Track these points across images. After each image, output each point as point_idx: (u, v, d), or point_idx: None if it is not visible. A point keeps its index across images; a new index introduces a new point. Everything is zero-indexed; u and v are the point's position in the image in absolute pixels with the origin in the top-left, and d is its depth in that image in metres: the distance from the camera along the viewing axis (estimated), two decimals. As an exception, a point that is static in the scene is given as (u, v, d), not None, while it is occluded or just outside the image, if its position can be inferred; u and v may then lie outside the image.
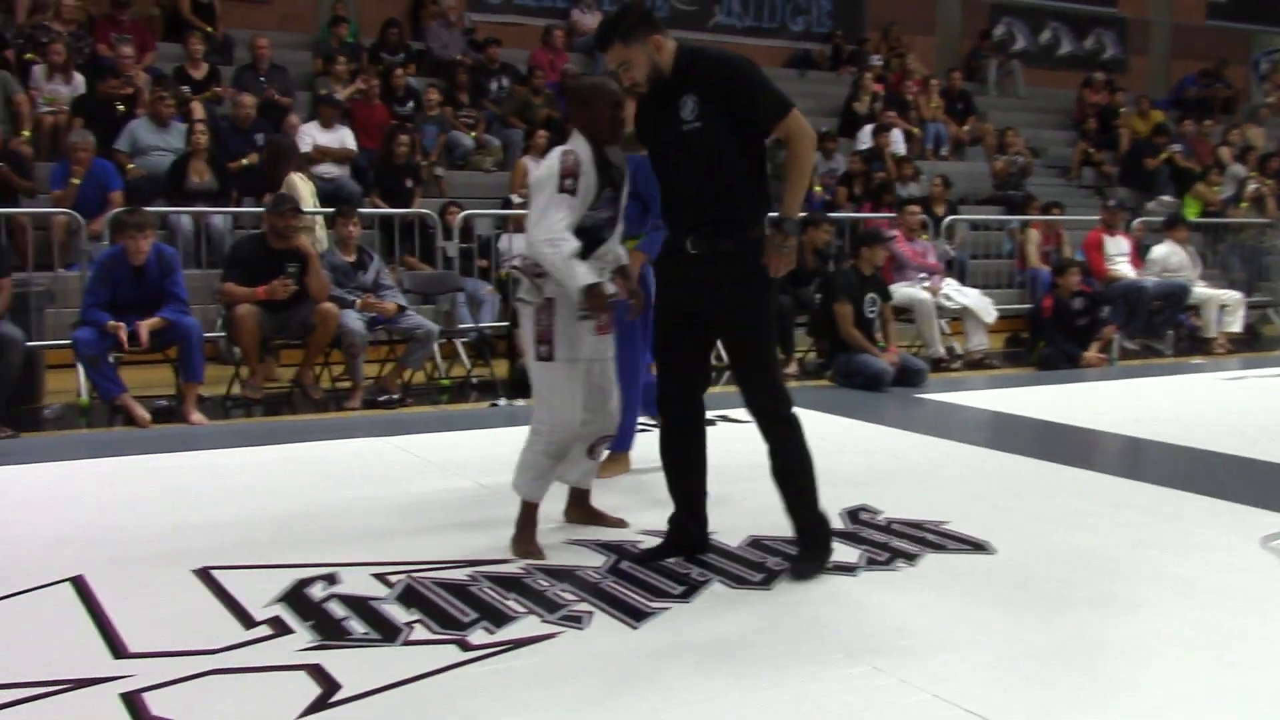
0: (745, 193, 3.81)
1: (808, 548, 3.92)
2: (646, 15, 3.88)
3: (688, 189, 3.84)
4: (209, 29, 12.11)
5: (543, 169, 4.00)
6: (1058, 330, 9.59)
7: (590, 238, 3.96)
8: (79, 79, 10.38)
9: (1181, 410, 7.58)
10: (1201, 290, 11.29)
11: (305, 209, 8.28)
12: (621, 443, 5.10)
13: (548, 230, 3.89)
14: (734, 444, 4.99)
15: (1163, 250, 11.29)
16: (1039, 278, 11.51)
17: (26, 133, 9.75)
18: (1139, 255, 11.54)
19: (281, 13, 14.02)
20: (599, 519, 4.45)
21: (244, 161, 9.92)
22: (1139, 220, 12.73)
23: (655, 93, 3.84)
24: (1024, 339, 10.76)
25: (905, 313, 9.53)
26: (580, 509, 4.49)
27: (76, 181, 8.83)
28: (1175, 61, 19.96)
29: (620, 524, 4.42)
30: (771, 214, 3.90)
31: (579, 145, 3.96)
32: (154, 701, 2.87)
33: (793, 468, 3.89)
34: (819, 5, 17.44)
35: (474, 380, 8.30)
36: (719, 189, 3.79)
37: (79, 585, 3.74)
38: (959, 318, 10.03)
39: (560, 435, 4.08)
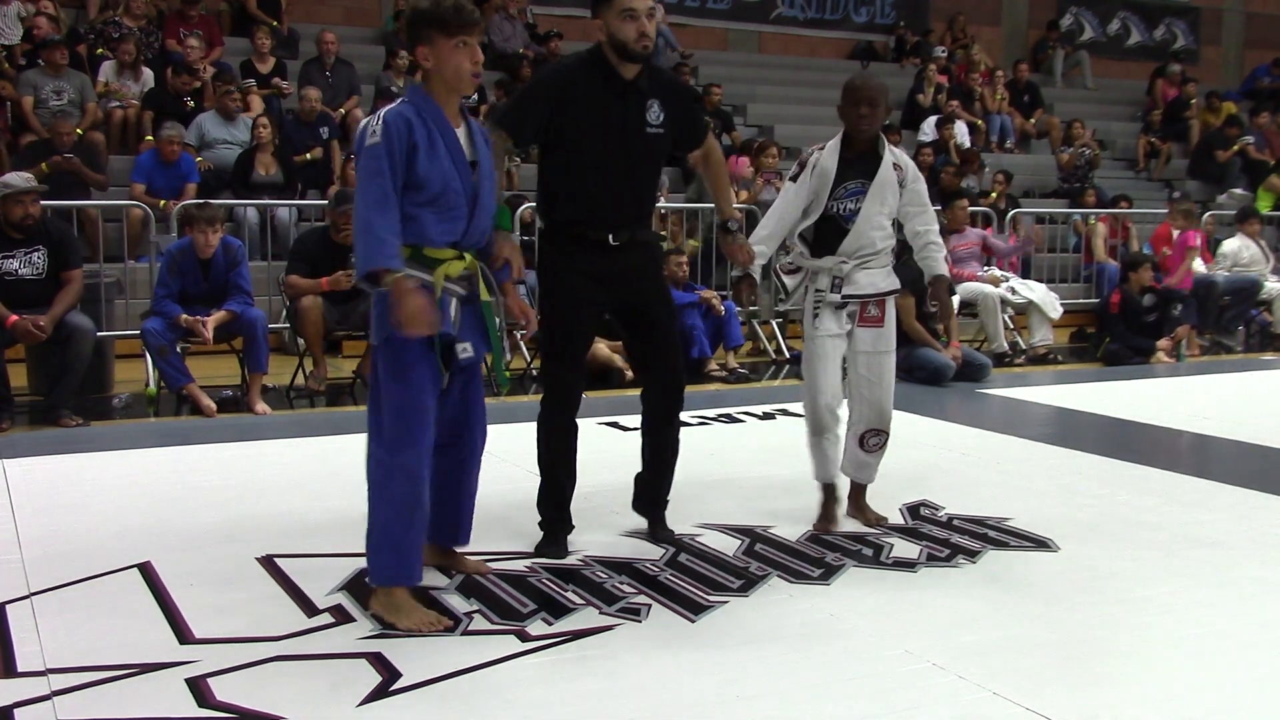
0: (654, 193, 4.15)
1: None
2: None
3: (631, 186, 3.96)
4: (275, 23, 12.26)
5: None
6: (1125, 326, 9.44)
7: (834, 226, 4.16)
8: (147, 74, 10.54)
9: (1252, 407, 7.43)
10: (1274, 285, 11.06)
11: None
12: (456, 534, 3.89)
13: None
14: (769, 438, 5.01)
15: (1234, 244, 11.08)
16: (1105, 272, 11.34)
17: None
18: (1210, 249, 11.32)
19: (346, 7, 14.17)
20: (863, 515, 4.46)
21: (309, 155, 10.05)
22: (1209, 214, 12.48)
23: (618, 89, 3.86)
24: (1089, 334, 10.60)
25: (969, 307, 9.43)
26: (851, 502, 4.49)
27: (192, 188, 8.94)
28: (1249, 51, 19.54)
29: (879, 520, 4.42)
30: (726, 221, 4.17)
31: (834, 139, 4.22)
32: (218, 687, 2.92)
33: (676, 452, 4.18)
34: (882, -4, 17.31)
35: (533, 373, 8.33)
36: (651, 189, 4.09)
37: (146, 571, 3.81)
38: (1023, 312, 9.90)
39: (808, 406, 4.31)
